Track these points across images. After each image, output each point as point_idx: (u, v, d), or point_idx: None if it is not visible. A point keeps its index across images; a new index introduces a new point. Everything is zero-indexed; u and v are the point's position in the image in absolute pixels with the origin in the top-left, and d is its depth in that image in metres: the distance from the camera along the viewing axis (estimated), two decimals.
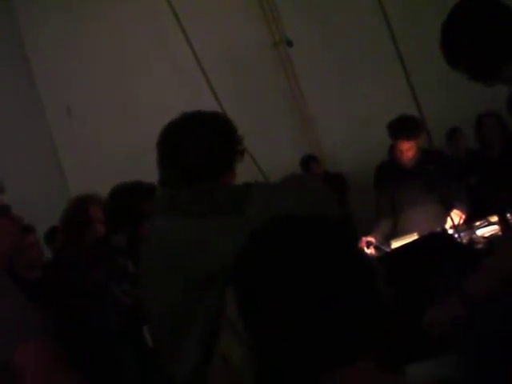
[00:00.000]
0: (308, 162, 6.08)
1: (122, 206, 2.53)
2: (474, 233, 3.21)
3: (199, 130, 1.76)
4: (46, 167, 5.98)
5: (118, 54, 6.03)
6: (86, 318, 2.60)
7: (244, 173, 1.88)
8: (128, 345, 2.66)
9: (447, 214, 3.48)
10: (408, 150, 3.64)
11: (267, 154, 5.64)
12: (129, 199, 2.51)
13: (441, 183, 3.58)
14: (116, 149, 5.71)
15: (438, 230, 3.37)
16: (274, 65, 6.50)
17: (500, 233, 3.02)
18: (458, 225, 3.41)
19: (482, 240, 3.01)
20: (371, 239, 3.71)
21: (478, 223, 3.36)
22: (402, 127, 3.61)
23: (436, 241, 2.38)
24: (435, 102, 5.93)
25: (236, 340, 1.62)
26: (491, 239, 2.96)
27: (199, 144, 1.73)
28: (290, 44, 6.37)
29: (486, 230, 3.20)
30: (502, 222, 2.97)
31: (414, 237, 3.40)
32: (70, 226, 3.22)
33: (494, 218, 3.28)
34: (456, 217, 3.50)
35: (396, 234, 3.77)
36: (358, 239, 3.57)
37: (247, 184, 1.74)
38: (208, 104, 4.99)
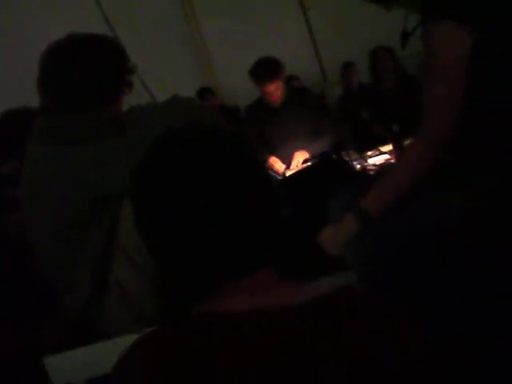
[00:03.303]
0: (203, 93, 6.02)
1: (10, 133, 2.41)
2: (366, 161, 3.31)
3: (85, 55, 1.61)
4: None
5: None
6: None
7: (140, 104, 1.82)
8: (21, 279, 2.58)
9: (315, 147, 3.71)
10: (275, 90, 3.72)
11: (164, 86, 5.50)
12: (17, 126, 2.38)
13: (307, 118, 3.76)
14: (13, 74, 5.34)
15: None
16: None
17: (392, 161, 3.14)
18: (297, 166, 3.67)
19: (373, 168, 3.12)
20: None
21: (369, 153, 3.48)
22: (263, 70, 3.69)
23: (329, 165, 2.44)
24: (331, 37, 6.00)
25: (130, 266, 1.60)
26: (382, 166, 3.07)
27: (83, 71, 1.60)
28: None
29: (378, 159, 3.31)
30: (397, 148, 3.07)
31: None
32: None
33: (385, 148, 3.41)
34: (300, 156, 3.74)
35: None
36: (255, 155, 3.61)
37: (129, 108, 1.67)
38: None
